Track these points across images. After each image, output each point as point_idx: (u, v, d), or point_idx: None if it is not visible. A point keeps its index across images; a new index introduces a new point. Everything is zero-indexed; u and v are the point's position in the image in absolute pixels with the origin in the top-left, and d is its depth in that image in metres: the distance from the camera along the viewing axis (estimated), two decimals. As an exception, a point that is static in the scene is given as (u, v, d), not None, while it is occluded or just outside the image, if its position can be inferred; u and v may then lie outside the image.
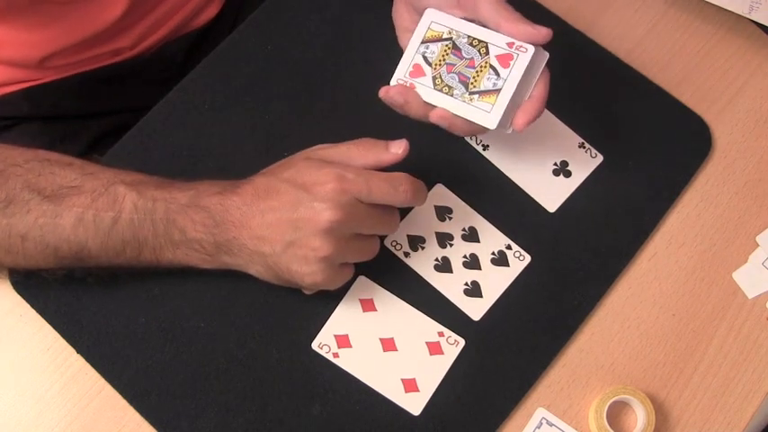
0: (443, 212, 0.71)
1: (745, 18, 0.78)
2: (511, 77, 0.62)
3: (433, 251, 0.70)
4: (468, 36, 0.63)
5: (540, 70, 0.64)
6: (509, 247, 0.70)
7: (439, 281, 0.69)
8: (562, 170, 0.74)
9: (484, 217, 0.71)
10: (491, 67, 0.62)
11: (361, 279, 0.68)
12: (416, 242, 0.70)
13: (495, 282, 0.69)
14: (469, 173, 0.73)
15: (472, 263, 0.70)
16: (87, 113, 0.85)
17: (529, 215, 0.72)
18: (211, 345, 0.66)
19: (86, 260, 0.61)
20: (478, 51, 0.63)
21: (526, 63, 0.62)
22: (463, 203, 0.71)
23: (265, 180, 0.60)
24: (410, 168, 0.72)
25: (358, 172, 0.59)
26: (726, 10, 0.79)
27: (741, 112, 0.79)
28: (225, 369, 0.65)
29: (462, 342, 0.67)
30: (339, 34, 0.76)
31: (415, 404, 0.65)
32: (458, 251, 0.70)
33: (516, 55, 0.62)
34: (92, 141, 0.84)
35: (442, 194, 0.71)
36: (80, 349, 0.65)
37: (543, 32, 0.62)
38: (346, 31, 0.77)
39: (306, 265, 0.59)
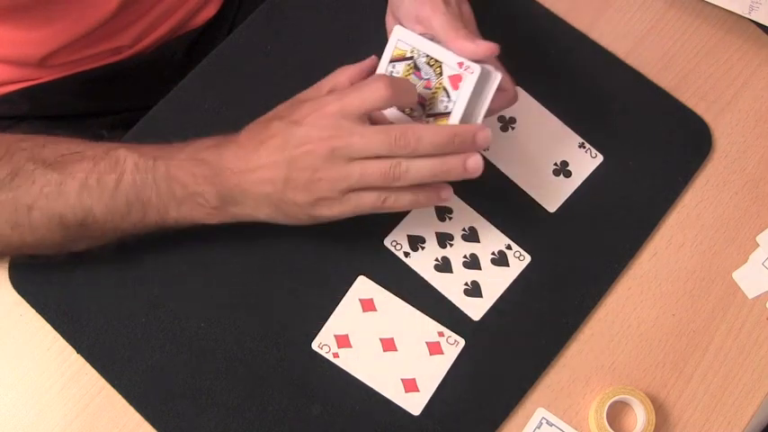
0: (443, 212, 0.71)
1: (745, 18, 0.78)
2: (459, 100, 0.60)
3: (433, 251, 0.70)
4: (427, 56, 0.61)
5: (493, 91, 0.61)
6: (509, 247, 0.70)
7: (439, 281, 0.69)
8: (562, 170, 0.74)
9: (484, 217, 0.71)
10: (444, 88, 0.61)
11: (362, 279, 0.68)
12: (416, 242, 0.70)
13: (495, 282, 0.69)
14: (469, 173, 0.73)
15: (472, 263, 0.70)
16: (88, 113, 0.85)
17: (529, 215, 0.72)
18: (211, 345, 0.66)
19: (92, 227, 0.61)
20: (434, 72, 0.61)
21: (472, 84, 0.59)
22: (463, 203, 0.71)
23: (257, 124, 0.62)
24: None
25: (335, 94, 0.59)
26: (726, 10, 0.79)
27: (741, 112, 0.79)
28: (225, 369, 0.65)
29: (462, 342, 0.67)
30: (339, 34, 0.76)
31: (415, 404, 0.65)
32: (458, 251, 0.70)
33: (465, 76, 0.59)
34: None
35: (442, 194, 0.71)
36: (80, 349, 0.65)
37: (482, 48, 0.59)
38: (346, 31, 0.77)
39: (310, 194, 0.59)
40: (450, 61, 0.60)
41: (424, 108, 0.62)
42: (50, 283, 0.66)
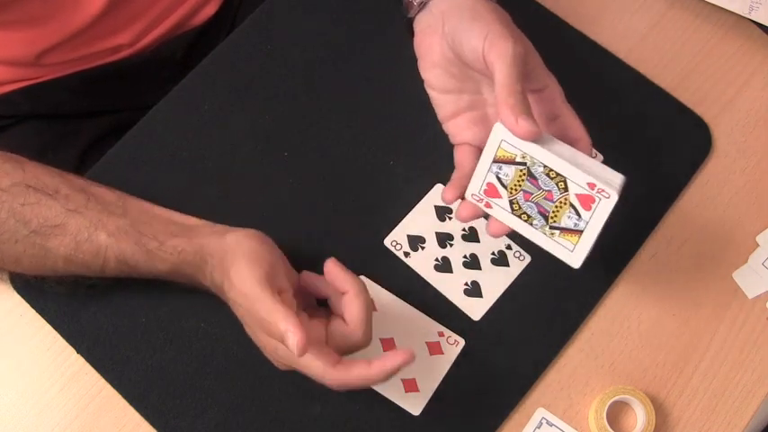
0: (443, 212, 0.71)
1: (745, 18, 0.79)
2: (594, 221, 0.58)
3: (433, 251, 0.70)
4: (545, 166, 0.58)
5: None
6: (509, 247, 0.70)
7: (439, 281, 0.69)
8: (562, 170, 0.74)
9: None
10: (571, 205, 0.58)
11: (361, 279, 0.68)
12: (416, 242, 0.70)
13: (495, 282, 0.69)
14: (469, 173, 0.73)
15: (472, 263, 0.70)
16: (87, 112, 0.85)
17: (529, 215, 0.72)
18: (211, 345, 0.66)
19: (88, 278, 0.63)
20: (557, 185, 0.58)
21: (609, 210, 0.57)
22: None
23: (229, 285, 0.59)
24: (411, 168, 0.73)
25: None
26: (726, 10, 0.79)
27: (741, 112, 0.79)
28: (225, 369, 0.65)
29: (462, 342, 0.67)
30: (339, 34, 0.76)
31: (415, 404, 0.65)
32: (458, 251, 0.70)
33: (598, 199, 0.57)
34: (92, 140, 0.84)
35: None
36: (80, 349, 0.65)
37: (521, 131, 0.56)
38: (346, 31, 0.77)
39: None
40: (578, 180, 0.57)
41: (547, 220, 0.60)
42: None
